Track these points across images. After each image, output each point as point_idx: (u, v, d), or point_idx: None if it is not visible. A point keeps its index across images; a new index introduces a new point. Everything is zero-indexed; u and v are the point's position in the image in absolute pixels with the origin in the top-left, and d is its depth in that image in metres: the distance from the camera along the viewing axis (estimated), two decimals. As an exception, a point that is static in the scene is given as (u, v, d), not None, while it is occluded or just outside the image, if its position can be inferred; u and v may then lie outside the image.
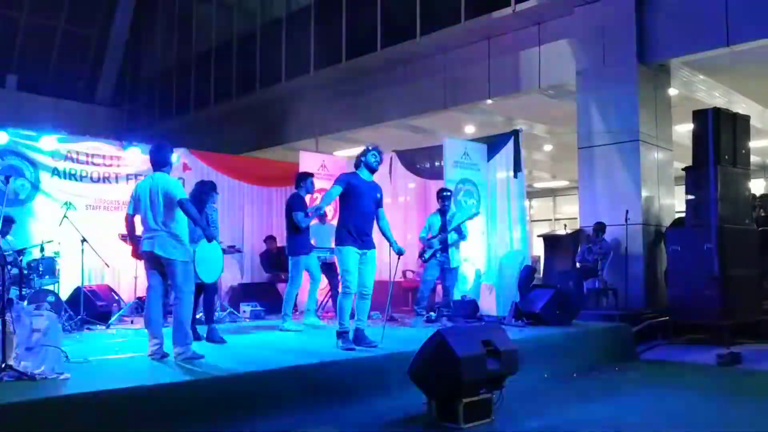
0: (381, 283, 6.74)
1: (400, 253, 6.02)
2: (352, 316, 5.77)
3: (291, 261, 7.29)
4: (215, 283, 6.56)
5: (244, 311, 8.71)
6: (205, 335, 6.14)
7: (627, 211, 8.96)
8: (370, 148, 5.94)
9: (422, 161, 10.21)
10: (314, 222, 9.46)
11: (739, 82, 10.93)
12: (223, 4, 17.77)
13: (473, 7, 11.09)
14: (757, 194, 9.48)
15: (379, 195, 5.91)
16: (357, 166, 5.91)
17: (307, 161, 10.35)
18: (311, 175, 7.78)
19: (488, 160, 9.33)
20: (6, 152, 8.36)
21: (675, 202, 10.24)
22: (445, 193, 7.83)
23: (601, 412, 4.95)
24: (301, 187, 7.45)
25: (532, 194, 20.71)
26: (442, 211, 7.73)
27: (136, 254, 5.34)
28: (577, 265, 9.70)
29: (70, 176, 8.98)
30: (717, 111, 8.64)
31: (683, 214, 9.07)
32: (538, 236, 12.54)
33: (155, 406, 3.89)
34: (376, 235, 5.99)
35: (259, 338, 6.55)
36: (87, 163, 9.12)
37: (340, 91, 13.96)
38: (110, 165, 9.33)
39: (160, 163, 5.18)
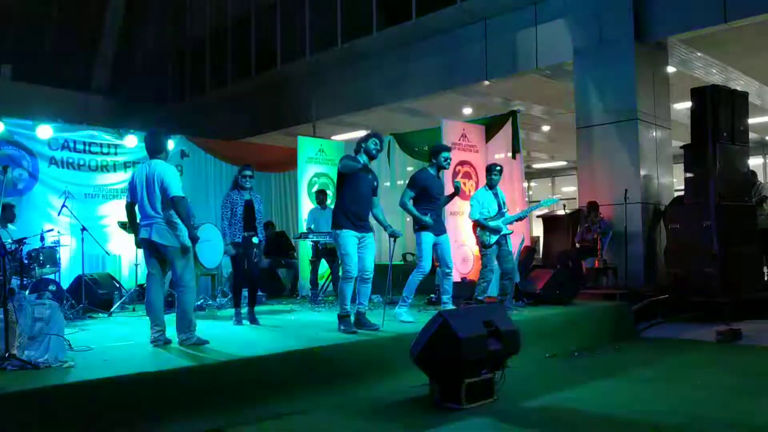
0: (385, 267, 6.74)
1: (394, 235, 6.03)
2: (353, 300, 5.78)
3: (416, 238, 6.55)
4: (241, 269, 6.58)
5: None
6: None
7: (626, 190, 8.97)
8: (371, 134, 5.90)
9: (420, 144, 10.18)
10: (313, 206, 9.51)
11: (737, 58, 10.87)
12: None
13: (469, -13, 11.01)
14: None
15: (375, 183, 5.92)
16: (357, 151, 5.86)
17: (305, 146, 10.32)
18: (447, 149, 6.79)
19: (486, 142, 9.31)
20: (3, 142, 8.33)
21: (674, 180, 10.23)
22: (497, 167, 7.20)
23: (602, 391, 4.98)
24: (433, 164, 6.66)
25: (531, 175, 20.70)
26: (491, 187, 7.16)
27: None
28: (577, 244, 9.72)
29: (68, 165, 8.99)
30: (715, 88, 8.61)
31: (682, 192, 9.07)
32: (537, 217, 12.52)
33: (160, 392, 3.91)
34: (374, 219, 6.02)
35: (262, 323, 6.56)
36: (84, 151, 9.13)
37: (337, 74, 13.90)
38: (107, 153, 9.33)
39: (155, 150, 5.16)
